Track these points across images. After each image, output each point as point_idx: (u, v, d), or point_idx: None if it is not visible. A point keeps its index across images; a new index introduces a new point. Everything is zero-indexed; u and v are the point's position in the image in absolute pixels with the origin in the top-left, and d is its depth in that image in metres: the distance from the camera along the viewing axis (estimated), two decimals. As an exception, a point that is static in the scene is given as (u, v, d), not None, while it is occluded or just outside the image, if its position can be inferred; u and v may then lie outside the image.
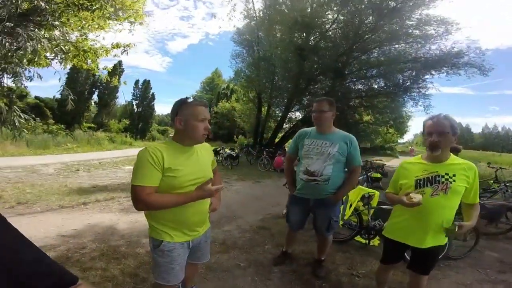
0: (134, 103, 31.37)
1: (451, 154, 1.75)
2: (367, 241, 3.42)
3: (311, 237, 3.47)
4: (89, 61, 5.85)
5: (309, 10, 10.17)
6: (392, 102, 12.45)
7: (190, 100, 1.51)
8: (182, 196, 1.43)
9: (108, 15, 5.30)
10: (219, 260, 2.90)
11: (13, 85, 4.43)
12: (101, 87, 27.77)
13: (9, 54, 3.26)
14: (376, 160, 10.02)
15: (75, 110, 26.44)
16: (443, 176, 1.68)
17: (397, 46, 10.85)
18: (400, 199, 1.72)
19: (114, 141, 21.56)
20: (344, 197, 3.20)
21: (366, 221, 3.41)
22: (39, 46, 3.31)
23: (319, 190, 2.35)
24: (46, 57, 4.63)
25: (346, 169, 2.41)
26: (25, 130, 4.37)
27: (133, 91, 31.43)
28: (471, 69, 9.98)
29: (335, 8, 10.42)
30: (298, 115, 17.44)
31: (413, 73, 10.78)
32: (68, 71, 24.73)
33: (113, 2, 4.39)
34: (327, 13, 10.67)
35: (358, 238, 3.52)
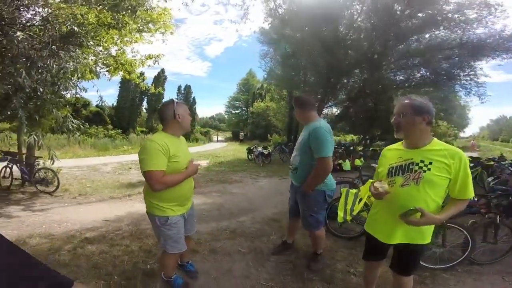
0: (178, 107, 33.93)
1: (435, 139, 1.56)
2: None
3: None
4: (129, 72, 6.70)
5: (334, 3, 9.82)
6: (438, 91, 11.17)
7: (178, 101, 1.92)
8: (182, 174, 1.86)
9: (141, 28, 6.01)
10: (224, 245, 3.15)
11: (69, 96, 5.38)
12: (148, 94, 30.70)
13: (57, 73, 4.02)
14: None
15: (129, 116, 29.79)
16: (417, 164, 1.50)
17: (437, 32, 9.75)
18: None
19: (161, 143, 23.80)
20: (341, 194, 3.17)
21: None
22: (78, 65, 4.03)
23: (293, 177, 2.55)
24: (91, 71, 5.49)
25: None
26: (77, 133, 5.25)
27: (176, 97, 34.01)
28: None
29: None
30: (335, 110, 16.84)
31: (460, 60, 9.55)
32: (120, 80, 27.89)
33: (136, 20, 4.99)
34: (354, 3, 10.12)
35: (368, 234, 3.40)
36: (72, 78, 4.70)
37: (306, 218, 2.48)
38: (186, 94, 34.49)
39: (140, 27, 5.86)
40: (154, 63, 6.39)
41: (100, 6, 4.24)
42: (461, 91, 10.81)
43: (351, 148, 15.49)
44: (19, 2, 3.79)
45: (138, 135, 24.73)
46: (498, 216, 2.89)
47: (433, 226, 1.61)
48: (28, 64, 4.04)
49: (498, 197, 3.18)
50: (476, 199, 3.31)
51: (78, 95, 5.52)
